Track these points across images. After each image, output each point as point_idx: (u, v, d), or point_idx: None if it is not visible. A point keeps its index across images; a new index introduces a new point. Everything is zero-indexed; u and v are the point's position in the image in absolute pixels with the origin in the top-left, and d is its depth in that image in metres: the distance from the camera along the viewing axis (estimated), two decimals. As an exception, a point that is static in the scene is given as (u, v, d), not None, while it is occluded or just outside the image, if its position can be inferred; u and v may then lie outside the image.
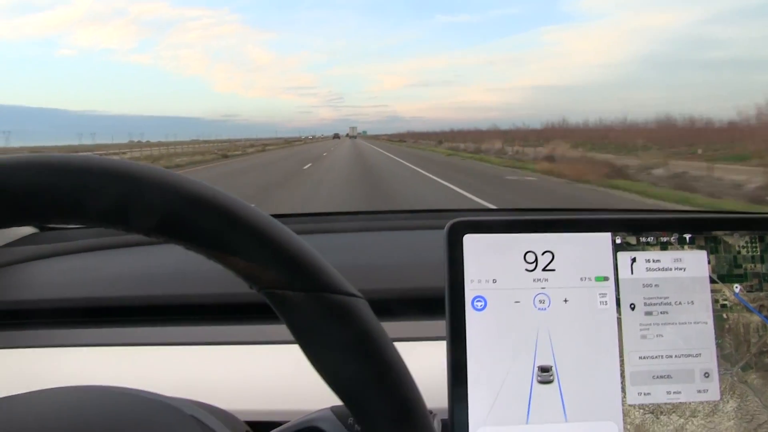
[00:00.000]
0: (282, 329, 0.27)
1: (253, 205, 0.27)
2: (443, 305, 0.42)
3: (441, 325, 0.43)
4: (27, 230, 0.89)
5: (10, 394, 0.55)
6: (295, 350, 0.27)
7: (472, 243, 0.42)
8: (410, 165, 16.47)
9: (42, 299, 0.73)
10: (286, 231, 0.26)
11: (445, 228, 0.41)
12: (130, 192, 0.24)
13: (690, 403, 0.43)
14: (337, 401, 0.40)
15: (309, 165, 16.57)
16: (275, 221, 0.26)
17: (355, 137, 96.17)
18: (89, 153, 0.26)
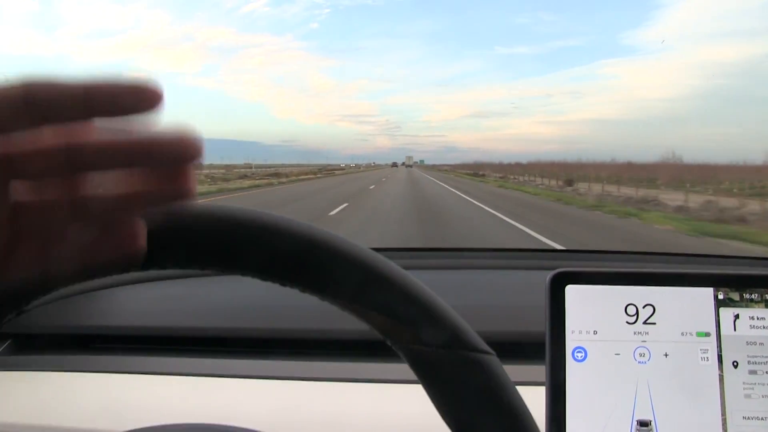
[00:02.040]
0: (362, 368, 0.27)
1: (391, 262, 0.27)
2: (536, 349, 0.42)
3: (532, 370, 0.43)
4: None
5: (97, 417, 0.57)
6: (387, 389, 0.27)
7: (573, 294, 0.42)
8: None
9: (128, 326, 0.76)
10: (425, 288, 0.27)
11: (548, 278, 0.42)
12: (285, 247, 0.25)
13: (797, 469, 0.42)
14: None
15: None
16: (414, 278, 0.27)
17: (410, 166, 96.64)
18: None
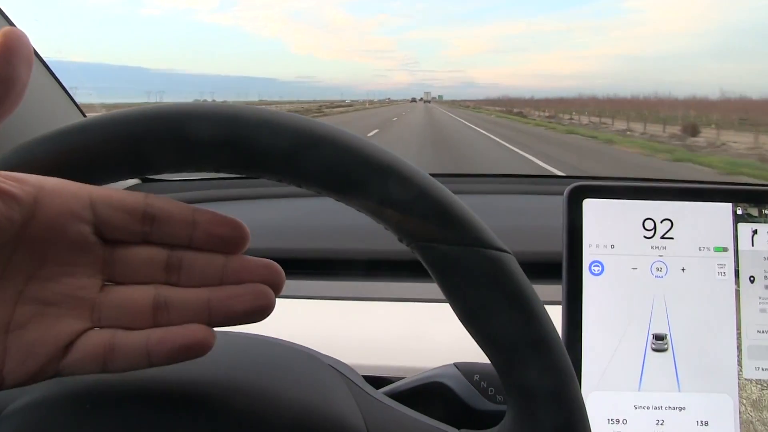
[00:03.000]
0: (402, 287, 0.27)
1: (408, 161, 0.27)
2: (555, 269, 0.42)
3: (557, 289, 0.43)
4: (131, 182, 0.92)
5: None
6: (413, 308, 0.27)
7: (591, 207, 0.42)
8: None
9: None
10: (439, 185, 0.26)
11: (565, 191, 0.41)
12: (305, 146, 0.24)
13: (811, 381, 0.42)
14: (458, 358, 0.41)
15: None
16: (426, 174, 0.27)
17: (429, 101, 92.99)
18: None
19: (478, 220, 0.27)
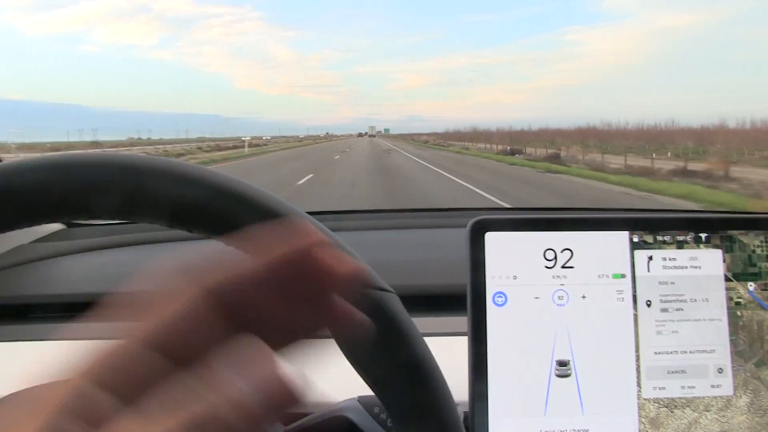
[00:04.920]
0: None
1: (280, 197, 0.26)
2: (465, 301, 0.43)
3: (462, 321, 0.44)
4: (56, 227, 0.90)
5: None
6: (322, 342, 0.28)
7: (493, 240, 0.43)
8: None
9: (71, 293, 0.74)
10: (319, 224, 0.27)
11: (468, 225, 0.42)
12: (136, 186, 0.24)
13: (704, 398, 0.44)
14: (363, 392, 0.41)
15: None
16: (299, 211, 0.27)
17: (373, 136, 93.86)
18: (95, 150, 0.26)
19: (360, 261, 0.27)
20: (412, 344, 0.27)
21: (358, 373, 0.29)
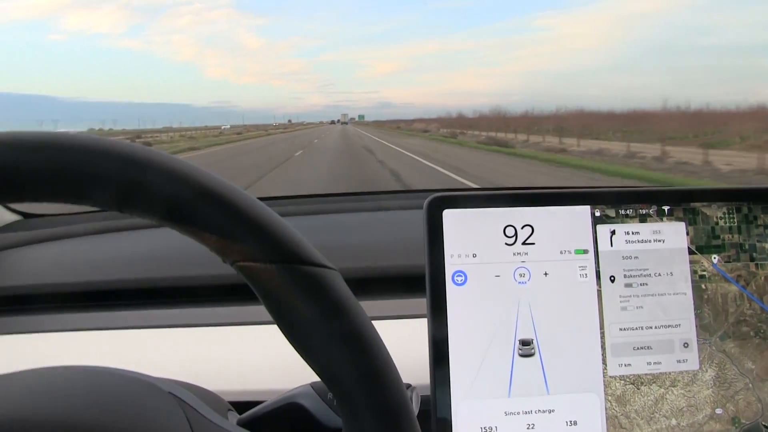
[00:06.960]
0: (262, 309, 0.26)
1: (220, 177, 0.26)
2: (420, 282, 0.42)
3: (423, 303, 0.43)
4: (11, 217, 0.88)
5: None
6: (274, 329, 0.27)
7: (451, 218, 0.42)
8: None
9: (31, 284, 0.72)
10: (253, 201, 0.26)
11: (425, 204, 0.41)
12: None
13: (670, 373, 0.44)
14: (316, 378, 0.40)
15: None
16: (243, 192, 0.26)
17: (346, 123, 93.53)
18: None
19: (296, 236, 0.27)
20: (350, 317, 0.26)
21: (300, 355, 0.27)
